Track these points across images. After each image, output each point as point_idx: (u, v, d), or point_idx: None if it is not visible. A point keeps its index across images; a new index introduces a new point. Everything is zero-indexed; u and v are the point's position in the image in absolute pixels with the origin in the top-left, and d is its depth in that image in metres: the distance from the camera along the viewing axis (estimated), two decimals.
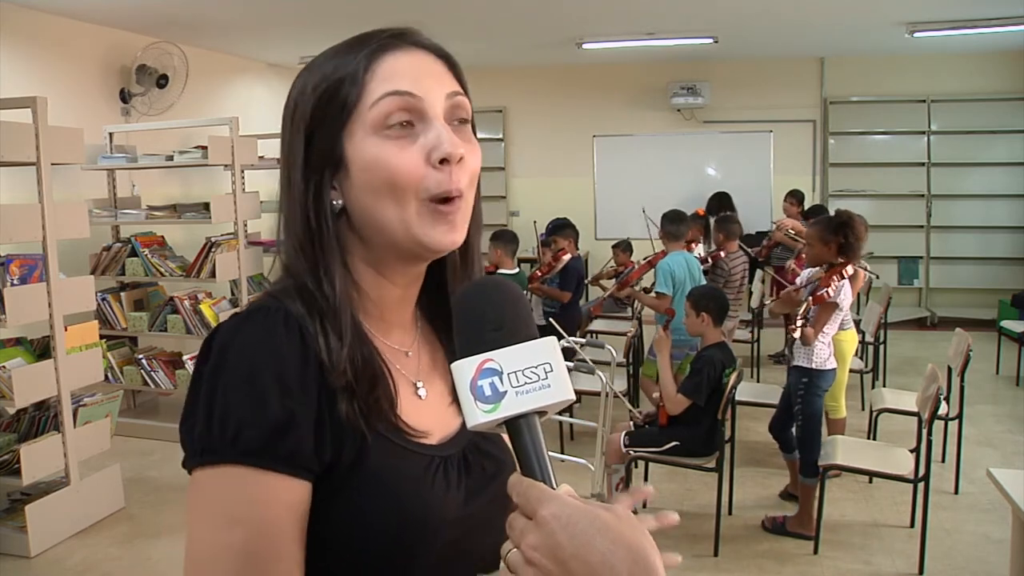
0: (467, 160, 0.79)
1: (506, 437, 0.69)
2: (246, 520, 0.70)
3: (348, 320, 0.78)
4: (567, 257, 5.56)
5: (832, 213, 4.02)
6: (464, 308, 0.70)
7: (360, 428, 0.76)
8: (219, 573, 0.70)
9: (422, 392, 0.87)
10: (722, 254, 5.25)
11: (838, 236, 3.58)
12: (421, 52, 0.81)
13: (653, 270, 4.85)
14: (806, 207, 6.86)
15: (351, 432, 0.76)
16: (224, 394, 0.71)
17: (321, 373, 0.75)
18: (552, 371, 0.66)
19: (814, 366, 3.55)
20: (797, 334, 3.53)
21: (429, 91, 0.78)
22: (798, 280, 3.98)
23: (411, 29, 0.83)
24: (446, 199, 0.78)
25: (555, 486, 0.63)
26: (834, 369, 3.64)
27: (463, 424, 0.87)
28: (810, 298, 3.56)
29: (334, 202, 0.80)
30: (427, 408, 0.86)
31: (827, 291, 3.51)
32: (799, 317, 3.50)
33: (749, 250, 6.21)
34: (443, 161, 0.76)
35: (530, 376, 0.65)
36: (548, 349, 0.66)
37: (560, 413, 0.68)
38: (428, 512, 0.78)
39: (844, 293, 3.57)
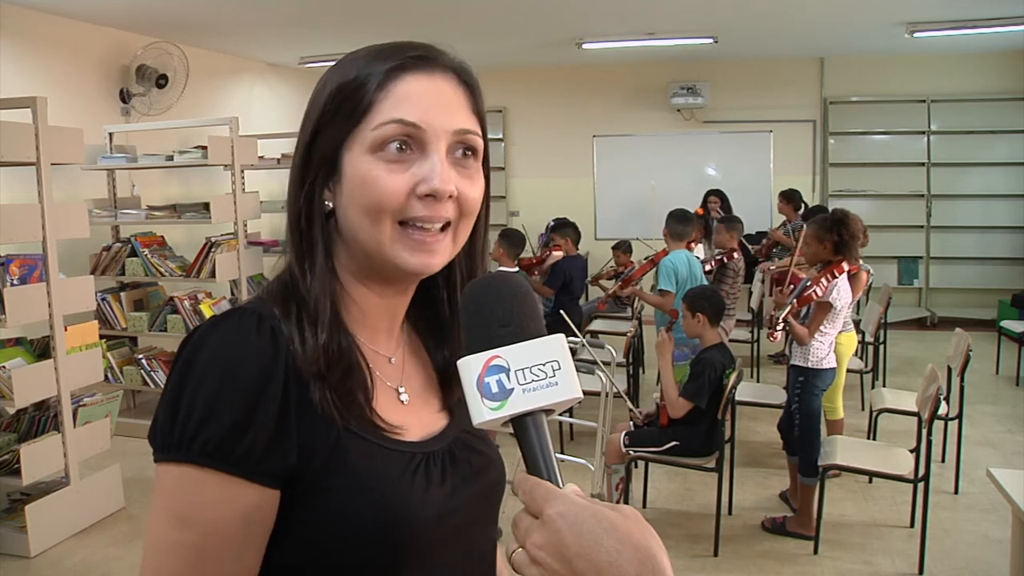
0: (462, 194, 0.79)
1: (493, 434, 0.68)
2: (196, 520, 0.72)
3: (327, 312, 0.78)
4: (559, 254, 5.57)
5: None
6: (471, 304, 0.70)
7: (335, 419, 0.76)
8: (167, 565, 0.73)
9: (404, 398, 0.86)
10: (735, 255, 5.21)
11: (832, 234, 3.59)
12: (444, 78, 0.80)
13: (654, 269, 4.85)
14: (807, 207, 6.84)
15: (324, 429, 0.76)
16: (188, 395, 0.72)
17: (294, 371, 0.75)
18: (560, 369, 0.65)
19: (810, 365, 3.55)
20: (777, 337, 3.52)
21: (436, 124, 0.77)
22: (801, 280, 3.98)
23: (441, 51, 0.82)
24: (426, 228, 0.78)
25: (561, 485, 0.63)
26: (832, 369, 3.63)
27: (449, 424, 0.87)
28: (795, 300, 3.55)
29: (326, 203, 0.81)
30: (409, 412, 0.86)
31: (815, 290, 3.50)
32: (781, 320, 3.49)
33: (750, 248, 6.21)
34: (428, 195, 0.76)
35: (538, 374, 0.64)
36: (556, 347, 0.66)
37: (560, 413, 0.68)
38: (407, 510, 0.78)
39: (840, 293, 3.55)
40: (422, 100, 0.78)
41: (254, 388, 0.73)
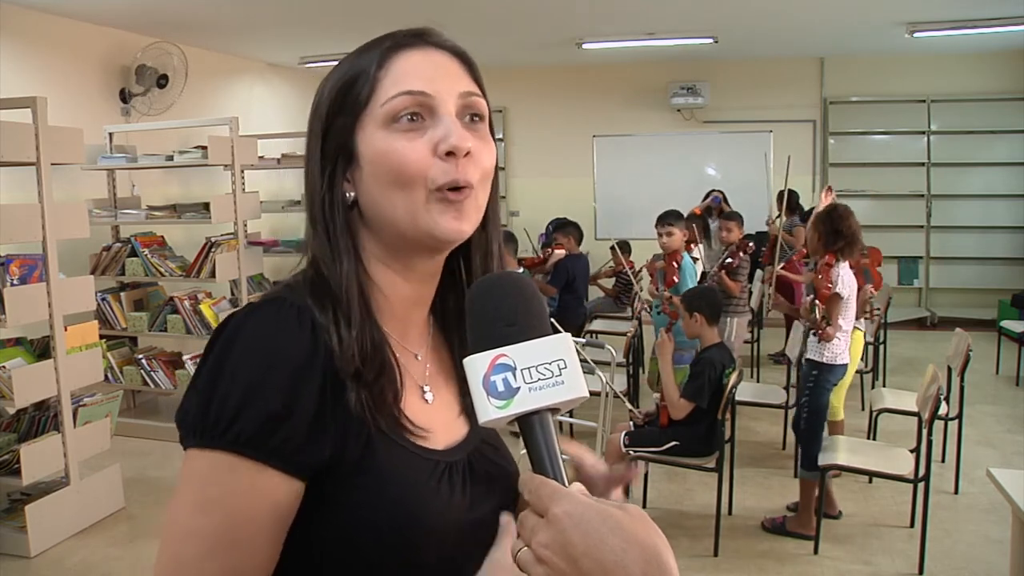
0: (477, 155, 0.79)
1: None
2: (224, 507, 0.71)
3: (358, 308, 0.78)
4: (561, 252, 5.58)
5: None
6: (478, 303, 0.69)
7: (367, 421, 0.76)
8: (189, 550, 0.71)
9: (428, 396, 0.86)
10: (749, 246, 5.17)
11: (827, 226, 3.62)
12: (437, 51, 0.82)
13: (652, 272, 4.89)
14: (806, 208, 6.84)
15: (356, 429, 0.75)
16: (225, 381, 0.72)
17: (331, 366, 0.75)
18: (566, 368, 0.65)
19: (825, 360, 3.56)
20: (832, 333, 3.51)
21: (441, 90, 0.79)
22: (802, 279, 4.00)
23: (429, 29, 0.83)
24: (453, 188, 0.78)
25: (567, 484, 0.62)
26: (845, 365, 3.64)
27: (470, 431, 0.87)
28: (818, 304, 3.56)
29: (347, 194, 0.81)
30: (433, 413, 0.85)
31: (827, 285, 3.53)
32: (821, 320, 3.50)
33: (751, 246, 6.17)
34: (449, 153, 0.77)
35: (544, 372, 0.64)
36: (562, 346, 0.66)
37: (563, 412, 0.68)
38: (432, 517, 0.77)
39: (844, 282, 3.56)
40: (423, 70, 0.79)
41: (294, 378, 0.72)
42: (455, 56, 0.83)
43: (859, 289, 4.08)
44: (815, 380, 3.58)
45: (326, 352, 0.75)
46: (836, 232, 3.58)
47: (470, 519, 0.81)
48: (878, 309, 4.92)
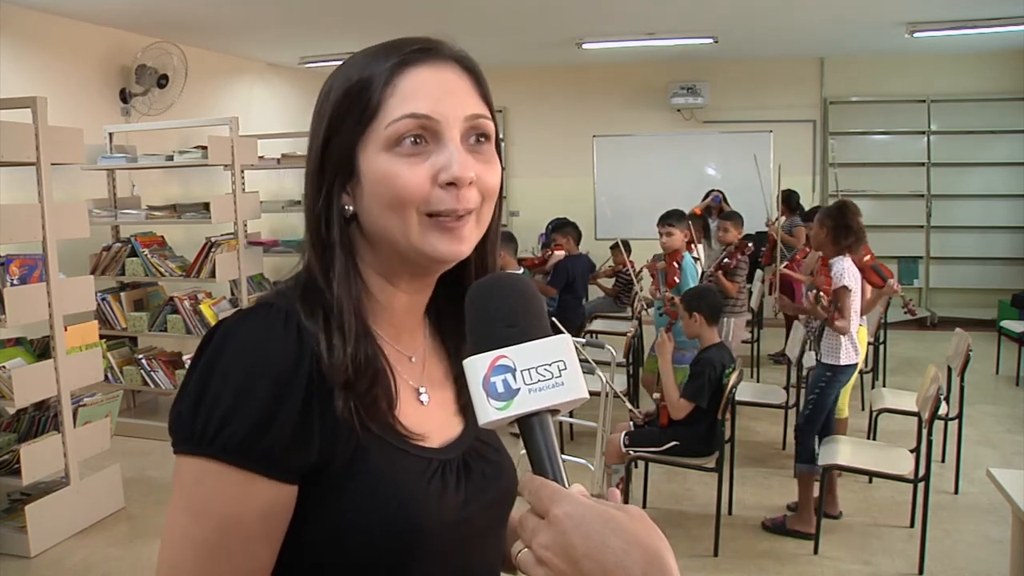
0: (481, 180, 0.79)
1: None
2: (215, 514, 0.72)
3: (352, 319, 0.78)
4: (560, 253, 5.58)
5: None
6: (477, 304, 0.69)
7: (355, 427, 0.76)
8: (184, 558, 0.72)
9: (424, 398, 0.86)
10: (749, 246, 5.16)
11: (831, 220, 3.63)
12: (447, 66, 0.80)
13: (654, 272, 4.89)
14: (806, 208, 6.85)
15: (346, 432, 0.75)
16: (213, 388, 0.72)
17: (317, 372, 0.75)
18: (566, 369, 0.65)
19: (842, 363, 3.56)
20: (843, 323, 3.52)
21: (448, 113, 0.77)
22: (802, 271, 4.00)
23: (439, 41, 0.82)
24: (452, 215, 0.77)
25: (567, 485, 0.62)
26: (856, 364, 3.65)
27: (465, 429, 0.87)
28: (823, 297, 3.56)
29: (346, 207, 0.80)
30: (428, 414, 0.85)
31: (827, 284, 3.54)
32: (827, 308, 3.50)
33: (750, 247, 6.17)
34: (450, 184, 0.76)
35: (544, 374, 0.64)
36: (562, 347, 0.66)
37: (563, 413, 0.68)
38: (424, 515, 0.78)
39: (847, 274, 3.56)
40: (430, 91, 0.77)
41: (279, 386, 0.73)
42: (465, 71, 0.81)
43: (882, 287, 4.11)
44: (828, 381, 3.59)
45: (311, 357, 0.75)
46: (847, 227, 3.59)
47: (465, 516, 0.81)
48: (912, 299, 5.00)
